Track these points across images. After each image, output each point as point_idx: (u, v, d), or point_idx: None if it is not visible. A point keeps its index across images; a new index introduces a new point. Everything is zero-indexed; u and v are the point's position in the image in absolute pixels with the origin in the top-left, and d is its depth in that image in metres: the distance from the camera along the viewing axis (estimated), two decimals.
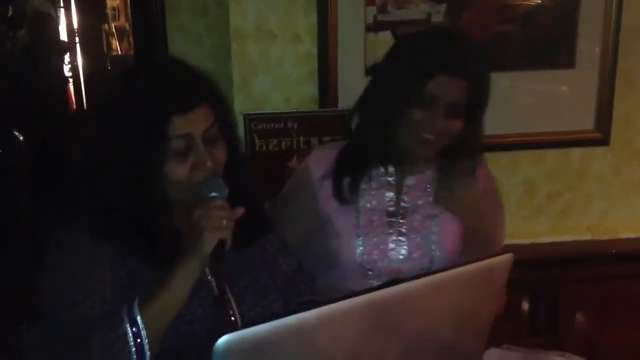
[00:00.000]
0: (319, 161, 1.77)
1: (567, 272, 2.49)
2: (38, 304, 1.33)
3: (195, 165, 1.34)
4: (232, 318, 1.39)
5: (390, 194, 1.74)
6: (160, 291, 1.26)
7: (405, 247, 1.71)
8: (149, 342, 1.23)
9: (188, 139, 1.33)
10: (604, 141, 2.52)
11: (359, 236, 1.70)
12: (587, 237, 2.62)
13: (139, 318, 1.23)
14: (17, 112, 2.71)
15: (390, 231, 1.72)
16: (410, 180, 1.75)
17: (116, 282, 1.31)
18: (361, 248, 1.70)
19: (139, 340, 1.22)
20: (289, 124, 2.33)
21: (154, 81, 1.36)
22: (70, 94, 5.95)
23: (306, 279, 1.65)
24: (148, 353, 1.23)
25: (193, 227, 1.28)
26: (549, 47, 2.44)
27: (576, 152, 2.55)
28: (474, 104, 1.61)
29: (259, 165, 2.29)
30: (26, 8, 3.35)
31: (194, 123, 1.33)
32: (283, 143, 2.34)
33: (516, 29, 2.41)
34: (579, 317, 2.52)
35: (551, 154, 2.54)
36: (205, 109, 1.35)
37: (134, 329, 1.23)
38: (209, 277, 1.41)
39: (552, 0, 2.40)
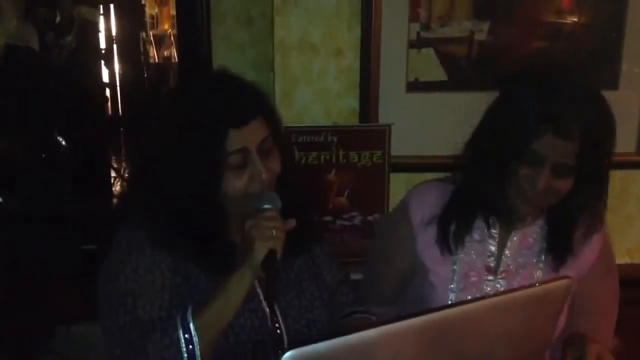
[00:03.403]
0: (420, 205, 1.63)
1: None
2: (80, 305, 1.35)
3: (251, 177, 1.35)
4: (278, 331, 1.40)
5: (492, 248, 1.60)
6: (213, 299, 1.28)
7: None
8: (200, 349, 1.24)
9: (244, 153, 1.34)
10: None
11: (452, 291, 1.59)
12: (625, 260, 2.59)
13: (191, 325, 1.25)
14: (61, 117, 2.79)
15: (487, 289, 1.59)
16: (516, 235, 1.60)
17: (173, 288, 1.33)
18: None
19: (190, 347, 1.24)
20: (329, 138, 2.34)
21: (209, 96, 1.37)
22: (107, 100, 6.06)
23: (348, 291, 1.64)
24: None
25: (245, 237, 1.30)
26: (592, 66, 2.41)
27: (617, 175, 2.51)
28: (588, 166, 1.44)
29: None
30: (73, 15, 3.43)
31: (249, 136, 1.35)
32: (322, 156, 2.35)
33: (558, 47, 2.40)
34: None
35: None
36: (259, 121, 1.37)
37: (186, 336, 1.24)
38: (258, 289, 1.42)
39: (596, 20, 2.39)
